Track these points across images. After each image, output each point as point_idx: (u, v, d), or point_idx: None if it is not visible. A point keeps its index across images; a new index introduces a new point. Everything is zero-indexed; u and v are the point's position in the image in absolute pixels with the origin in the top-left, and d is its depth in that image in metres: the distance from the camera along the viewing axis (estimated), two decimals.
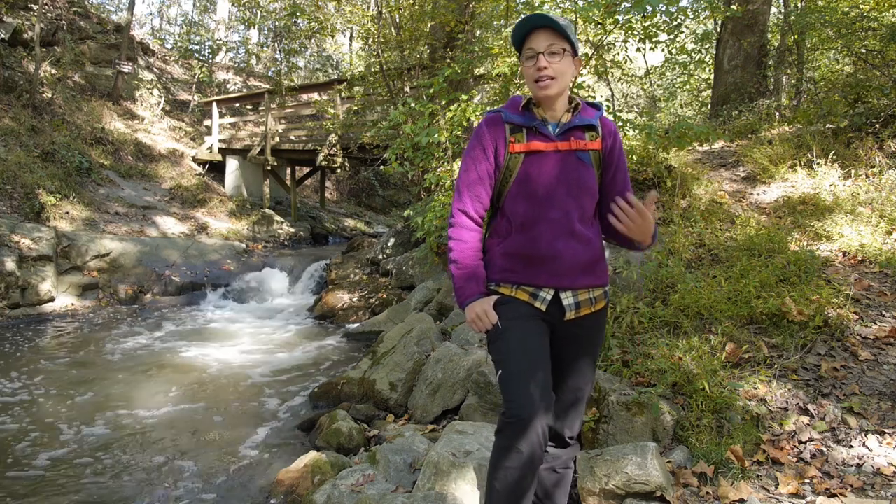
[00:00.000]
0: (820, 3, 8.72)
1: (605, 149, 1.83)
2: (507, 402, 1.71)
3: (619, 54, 8.77)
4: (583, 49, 6.77)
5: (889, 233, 4.13)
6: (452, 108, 5.67)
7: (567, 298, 1.79)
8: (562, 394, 1.87)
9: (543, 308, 1.78)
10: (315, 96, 15.15)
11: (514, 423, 1.66)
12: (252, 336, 6.49)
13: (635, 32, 5.92)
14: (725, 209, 4.85)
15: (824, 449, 2.48)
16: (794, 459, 2.46)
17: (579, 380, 1.87)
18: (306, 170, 14.32)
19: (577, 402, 1.89)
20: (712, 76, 10.44)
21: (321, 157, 11.51)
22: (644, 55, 9.20)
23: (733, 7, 8.20)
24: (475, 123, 5.96)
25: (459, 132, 5.77)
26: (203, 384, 4.82)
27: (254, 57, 21.96)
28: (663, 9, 5.37)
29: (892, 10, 7.55)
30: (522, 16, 7.23)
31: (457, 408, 3.69)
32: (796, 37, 9.08)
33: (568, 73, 1.77)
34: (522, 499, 1.70)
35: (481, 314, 1.77)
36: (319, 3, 11.02)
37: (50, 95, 11.80)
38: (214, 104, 13.85)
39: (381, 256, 8.40)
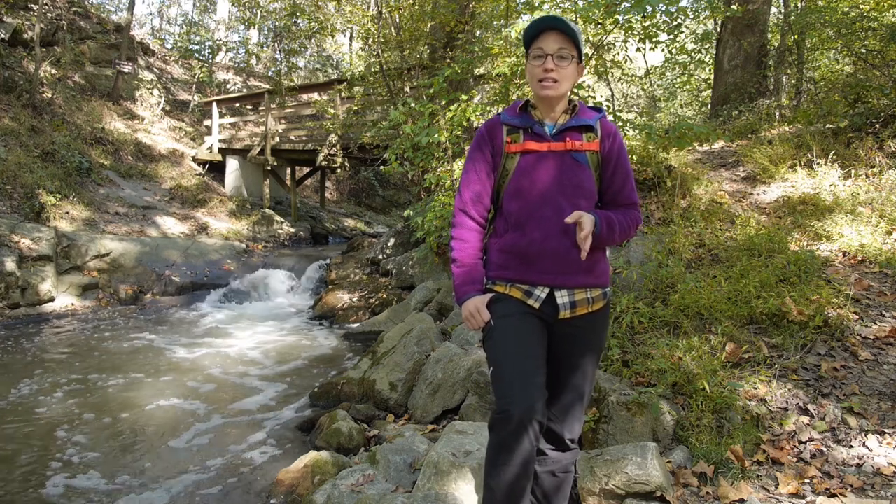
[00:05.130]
0: (820, 3, 8.72)
1: (604, 150, 1.85)
2: (496, 398, 1.73)
3: (619, 54, 8.77)
4: (583, 49, 6.76)
5: (889, 233, 4.13)
6: (452, 108, 5.67)
7: (562, 297, 1.79)
8: (560, 394, 1.87)
9: (537, 306, 1.79)
10: (315, 96, 15.16)
11: (502, 419, 1.67)
12: (252, 336, 6.49)
13: (635, 32, 5.92)
14: (725, 209, 4.85)
15: (824, 449, 2.48)
16: (794, 459, 2.46)
17: (577, 381, 1.86)
18: (306, 170, 14.32)
19: (575, 404, 1.88)
20: (712, 76, 10.44)
21: (321, 157, 11.51)
22: (644, 55, 9.20)
23: (733, 7, 8.21)
24: (475, 123, 5.96)
25: (459, 132, 5.77)
26: (203, 384, 4.82)
27: (254, 57, 21.95)
28: (663, 9, 5.38)
29: (892, 10, 7.55)
30: (523, 16, 7.24)
31: (457, 408, 3.69)
32: (796, 37, 9.08)
33: (571, 78, 1.81)
34: (516, 495, 1.70)
35: (474, 312, 1.81)
36: (319, 3, 11.03)
37: (50, 95, 11.80)
38: (214, 104, 13.85)
39: (381, 256, 8.40)
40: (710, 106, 10.01)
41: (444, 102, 5.87)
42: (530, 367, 1.72)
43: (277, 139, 12.87)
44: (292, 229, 12.01)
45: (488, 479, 1.73)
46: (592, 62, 6.82)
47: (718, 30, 10.24)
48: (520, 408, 1.64)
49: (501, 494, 1.70)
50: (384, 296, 7.21)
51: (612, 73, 9.81)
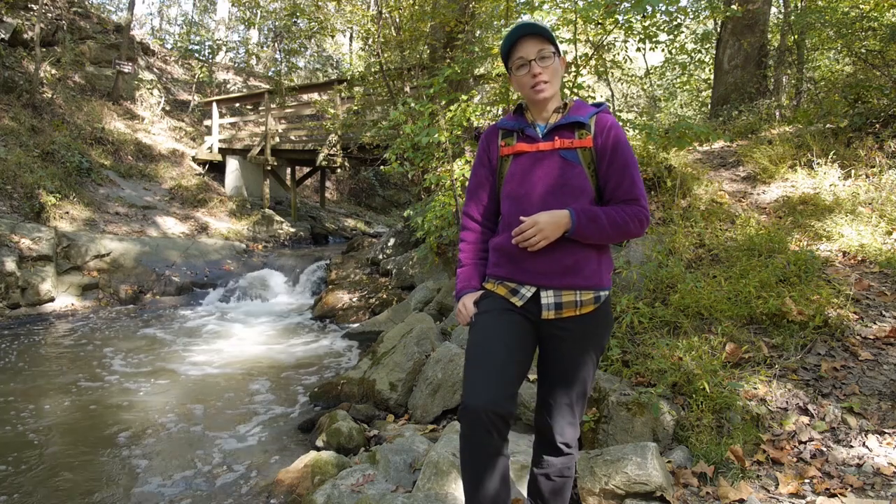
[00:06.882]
0: (820, 3, 8.72)
1: (597, 145, 1.81)
2: (462, 391, 1.77)
3: (619, 54, 8.78)
4: (583, 49, 6.77)
5: (889, 233, 4.13)
6: (452, 108, 5.66)
7: (547, 297, 1.79)
8: (550, 398, 1.87)
9: (520, 304, 1.80)
10: (315, 96, 15.17)
11: (463, 412, 1.70)
12: (252, 336, 6.49)
13: (635, 32, 5.92)
14: (725, 209, 4.85)
15: (824, 449, 2.48)
16: (794, 459, 2.46)
17: (568, 385, 1.84)
18: (306, 170, 14.32)
19: (565, 408, 1.86)
20: (712, 76, 10.45)
21: (321, 157, 11.52)
22: (644, 55, 9.20)
23: (733, 7, 8.20)
24: (475, 123, 5.97)
25: (459, 132, 5.76)
26: (203, 384, 4.83)
27: (254, 57, 21.97)
28: (663, 9, 5.38)
29: (892, 10, 7.55)
30: (523, 15, 7.26)
31: (457, 408, 3.69)
32: (796, 37, 9.08)
33: (559, 74, 1.86)
34: (482, 485, 1.70)
35: (461, 307, 1.90)
36: (319, 3, 11.03)
37: (50, 95, 11.80)
38: (214, 104, 13.85)
39: (381, 256, 8.40)
40: (710, 106, 10.02)
41: (444, 102, 5.86)
42: (497, 361, 1.72)
43: (277, 139, 12.88)
44: (292, 229, 12.02)
45: (461, 473, 1.76)
46: (592, 62, 6.82)
47: (718, 30, 10.24)
48: (477, 401, 1.66)
49: (469, 484, 1.72)
50: (384, 296, 7.21)
51: (612, 73, 9.81)
